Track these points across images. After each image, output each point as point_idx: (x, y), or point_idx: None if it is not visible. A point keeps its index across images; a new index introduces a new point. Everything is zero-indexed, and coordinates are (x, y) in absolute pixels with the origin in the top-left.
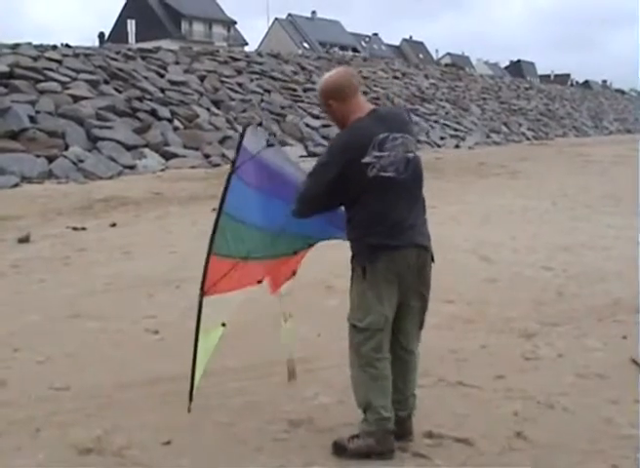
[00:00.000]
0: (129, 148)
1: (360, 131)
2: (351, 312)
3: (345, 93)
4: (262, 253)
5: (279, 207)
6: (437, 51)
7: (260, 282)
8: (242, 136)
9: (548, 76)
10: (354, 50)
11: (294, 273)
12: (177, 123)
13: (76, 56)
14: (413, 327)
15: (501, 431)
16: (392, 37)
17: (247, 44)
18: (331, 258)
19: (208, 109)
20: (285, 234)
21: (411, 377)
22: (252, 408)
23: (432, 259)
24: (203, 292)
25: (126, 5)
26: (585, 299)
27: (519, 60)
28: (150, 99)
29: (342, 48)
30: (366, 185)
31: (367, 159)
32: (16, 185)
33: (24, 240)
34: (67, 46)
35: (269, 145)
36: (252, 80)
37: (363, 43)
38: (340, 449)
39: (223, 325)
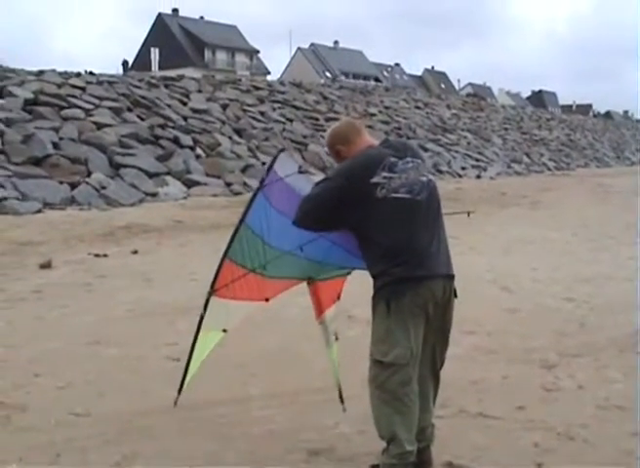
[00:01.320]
0: (151, 176)
1: (370, 154)
2: (374, 347)
3: (350, 134)
4: (275, 273)
5: (298, 232)
6: (459, 81)
7: (267, 300)
8: (275, 158)
9: (570, 106)
10: (376, 79)
11: (338, 297)
12: (199, 151)
13: (100, 83)
14: (438, 362)
15: (522, 462)
16: (414, 67)
17: (269, 73)
18: (351, 287)
19: (230, 138)
20: (303, 259)
21: (429, 409)
22: (272, 436)
23: (455, 294)
24: (213, 291)
25: (150, 33)
26: (607, 330)
27: (540, 91)
28: (173, 127)
29: (365, 77)
30: (375, 207)
31: (375, 179)
32: (38, 211)
33: (46, 266)
34: (91, 73)
35: (300, 172)
36: (274, 109)
37: (385, 73)
38: None
39: (224, 331)
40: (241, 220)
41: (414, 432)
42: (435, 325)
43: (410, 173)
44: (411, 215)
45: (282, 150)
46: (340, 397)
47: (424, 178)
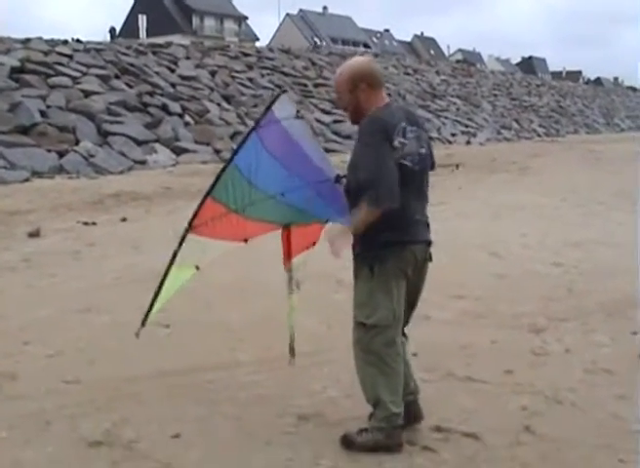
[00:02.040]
0: (139, 143)
1: (388, 116)
2: (357, 310)
3: (379, 80)
4: (258, 215)
5: (285, 178)
6: (449, 47)
7: (245, 241)
8: (275, 98)
9: (560, 73)
10: (365, 45)
11: (314, 244)
12: (187, 118)
13: (87, 51)
14: (407, 321)
15: (509, 426)
16: (404, 33)
17: (258, 39)
18: None
19: (219, 104)
20: (284, 204)
21: (405, 360)
22: (261, 401)
23: (430, 258)
24: (190, 227)
25: (137, 0)
26: (595, 295)
27: (530, 57)
28: (161, 94)
29: (354, 43)
30: None
31: (395, 142)
32: (26, 180)
33: (35, 234)
34: (78, 41)
35: (298, 117)
36: (263, 75)
37: (374, 39)
38: (348, 443)
39: (197, 268)
40: (230, 160)
41: (400, 394)
42: (411, 287)
43: (413, 142)
44: (407, 184)
45: (284, 91)
46: (291, 351)
47: (423, 150)
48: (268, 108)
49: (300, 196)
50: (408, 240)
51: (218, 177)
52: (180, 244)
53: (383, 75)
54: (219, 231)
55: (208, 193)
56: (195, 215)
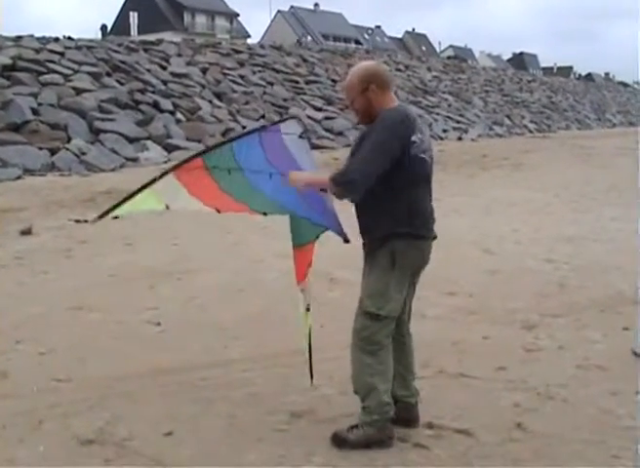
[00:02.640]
0: (131, 141)
1: (409, 112)
2: (370, 300)
3: (388, 82)
4: (238, 196)
5: (264, 163)
6: (440, 43)
7: (218, 211)
8: (283, 120)
9: (551, 68)
10: (357, 42)
11: (309, 264)
12: (179, 115)
13: (78, 48)
14: (409, 314)
15: (502, 422)
16: (395, 29)
17: (249, 36)
18: (333, 250)
19: (210, 102)
20: (268, 199)
21: (411, 360)
22: (253, 399)
23: None
24: (173, 168)
25: None
26: (587, 291)
27: (522, 53)
28: (153, 92)
29: (345, 40)
30: (408, 163)
31: (414, 137)
32: (18, 178)
33: (27, 232)
34: (69, 38)
35: (301, 137)
36: (254, 72)
37: (366, 35)
38: (339, 441)
39: (167, 207)
40: (231, 139)
41: (390, 384)
42: (417, 280)
43: (426, 138)
44: (425, 178)
45: (293, 117)
46: (310, 371)
47: (429, 153)
48: (274, 124)
49: (284, 196)
50: (425, 234)
51: (213, 147)
52: (161, 177)
53: (392, 78)
54: (195, 188)
55: (199, 154)
56: (180, 165)
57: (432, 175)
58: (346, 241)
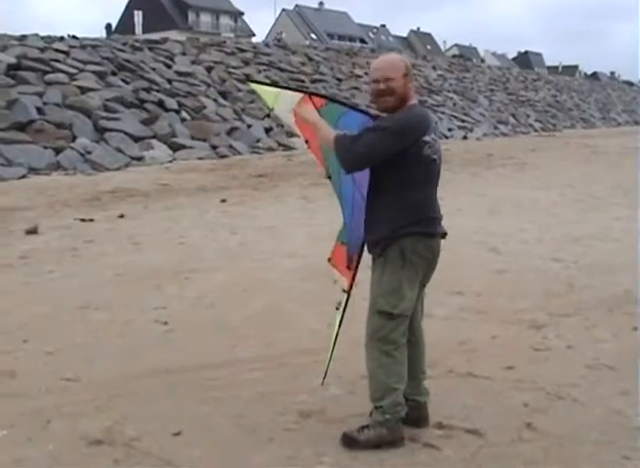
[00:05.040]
0: (136, 140)
1: (427, 113)
2: (383, 299)
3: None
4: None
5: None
6: (445, 42)
7: (306, 142)
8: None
9: (556, 67)
10: (362, 41)
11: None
12: (184, 114)
13: (83, 47)
14: (421, 314)
15: (512, 422)
16: (400, 28)
17: (254, 35)
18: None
19: (215, 100)
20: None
21: (423, 361)
22: (262, 398)
23: None
24: (306, 94)
25: None
26: (595, 291)
27: (527, 52)
28: (158, 91)
29: (350, 39)
30: (420, 163)
31: (427, 138)
32: (23, 177)
33: (32, 231)
34: (74, 37)
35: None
36: (259, 71)
37: (371, 34)
38: (350, 442)
39: (271, 110)
40: (348, 105)
41: (405, 385)
42: (427, 278)
43: (437, 140)
44: (436, 178)
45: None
46: (326, 371)
47: (439, 146)
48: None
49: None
50: (435, 232)
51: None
52: (297, 90)
53: None
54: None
55: (327, 97)
56: (313, 93)
57: (439, 178)
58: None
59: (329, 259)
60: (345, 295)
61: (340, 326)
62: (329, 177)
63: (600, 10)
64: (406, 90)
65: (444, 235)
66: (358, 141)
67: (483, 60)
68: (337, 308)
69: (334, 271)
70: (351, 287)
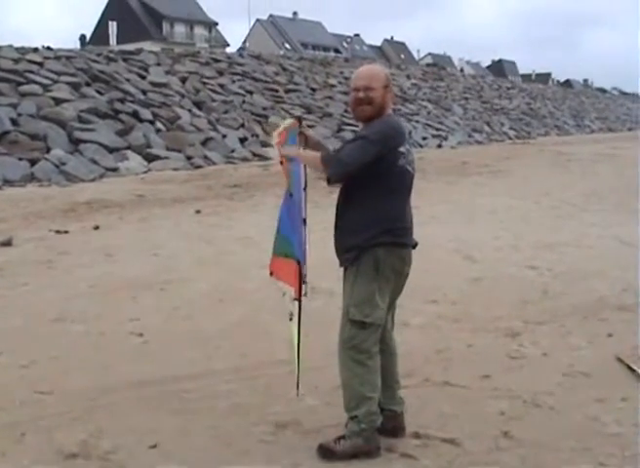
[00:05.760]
0: (111, 150)
1: (401, 124)
2: (356, 308)
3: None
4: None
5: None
6: (419, 51)
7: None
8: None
9: (530, 75)
10: (336, 50)
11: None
12: (159, 125)
13: (57, 58)
14: (392, 324)
15: (488, 431)
16: (374, 38)
17: (228, 45)
18: (312, 260)
19: (190, 111)
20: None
21: (396, 370)
22: (238, 410)
23: None
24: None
25: (107, 7)
26: (570, 298)
27: (500, 60)
28: (132, 101)
29: (324, 49)
30: (393, 173)
31: (402, 148)
32: None
33: (7, 243)
34: (49, 48)
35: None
36: (233, 81)
37: (345, 43)
38: (326, 452)
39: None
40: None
41: (379, 394)
42: (398, 288)
43: (411, 151)
44: (408, 188)
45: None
46: (297, 382)
47: (413, 157)
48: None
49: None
50: (406, 243)
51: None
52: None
53: None
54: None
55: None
56: None
57: (411, 189)
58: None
59: (270, 273)
60: (297, 304)
61: (299, 335)
62: (290, 195)
63: (572, 18)
64: (384, 101)
65: (415, 245)
66: (340, 154)
67: (462, 70)
68: (290, 319)
69: (279, 284)
70: (300, 295)
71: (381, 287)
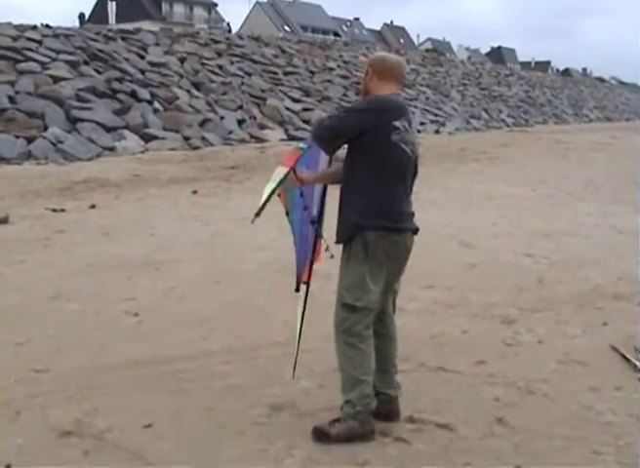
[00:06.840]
0: (108, 130)
1: (399, 101)
2: (346, 292)
3: (388, 73)
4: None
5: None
6: (418, 36)
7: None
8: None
9: (529, 63)
10: (335, 34)
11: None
12: (157, 105)
13: (56, 36)
14: (393, 308)
15: (482, 416)
16: (373, 22)
17: (230, 31)
18: None
19: (188, 91)
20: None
21: (394, 355)
22: (233, 391)
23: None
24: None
25: None
26: (566, 286)
27: (499, 47)
28: (130, 81)
29: (324, 32)
30: (386, 148)
31: (396, 123)
32: None
33: (3, 221)
34: (47, 26)
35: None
36: (232, 63)
37: (344, 27)
38: (321, 435)
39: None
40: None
41: (372, 377)
42: (396, 272)
43: (410, 131)
44: (405, 170)
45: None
46: (295, 364)
47: (415, 144)
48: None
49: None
50: (401, 227)
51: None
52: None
53: (402, 74)
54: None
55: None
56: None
57: (413, 169)
58: (297, 289)
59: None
60: (305, 289)
61: (302, 318)
62: (287, 214)
63: (573, 6)
64: (366, 86)
65: (415, 231)
66: (326, 120)
67: (470, 58)
68: (297, 290)
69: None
70: (310, 278)
71: (373, 271)
